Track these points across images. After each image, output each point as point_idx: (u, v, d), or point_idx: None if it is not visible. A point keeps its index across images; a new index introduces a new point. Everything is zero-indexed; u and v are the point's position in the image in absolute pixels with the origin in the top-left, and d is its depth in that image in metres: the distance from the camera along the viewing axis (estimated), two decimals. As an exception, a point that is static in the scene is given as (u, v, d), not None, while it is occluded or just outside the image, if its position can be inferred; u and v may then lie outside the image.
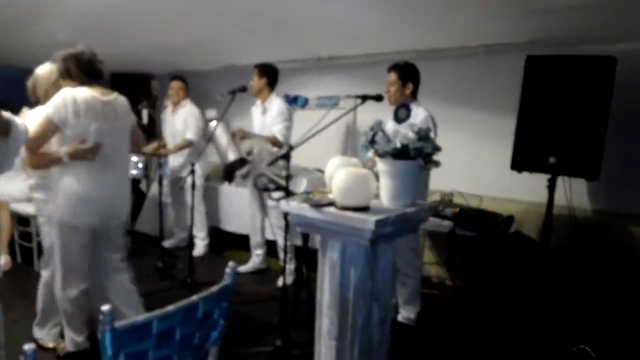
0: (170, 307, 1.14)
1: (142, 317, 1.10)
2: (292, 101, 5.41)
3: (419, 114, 3.02)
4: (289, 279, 3.95)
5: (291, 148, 2.78)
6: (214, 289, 1.30)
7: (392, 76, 3.13)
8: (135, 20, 4.19)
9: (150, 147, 4.52)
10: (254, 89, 4.15)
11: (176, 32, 4.49)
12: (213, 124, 3.71)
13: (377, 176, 1.99)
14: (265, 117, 4.16)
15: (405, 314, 3.29)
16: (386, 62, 3.33)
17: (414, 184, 1.99)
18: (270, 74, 4.16)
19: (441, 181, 3.83)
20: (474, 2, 3.08)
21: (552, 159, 3.12)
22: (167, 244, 4.91)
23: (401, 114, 2.04)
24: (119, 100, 2.72)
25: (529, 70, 3.25)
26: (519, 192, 3.82)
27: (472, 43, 3.92)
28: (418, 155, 1.93)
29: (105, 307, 1.01)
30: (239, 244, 4.83)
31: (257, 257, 4.45)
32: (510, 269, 3.55)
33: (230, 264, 1.42)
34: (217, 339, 1.39)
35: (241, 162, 3.80)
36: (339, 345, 1.94)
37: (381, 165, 1.97)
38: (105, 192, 2.57)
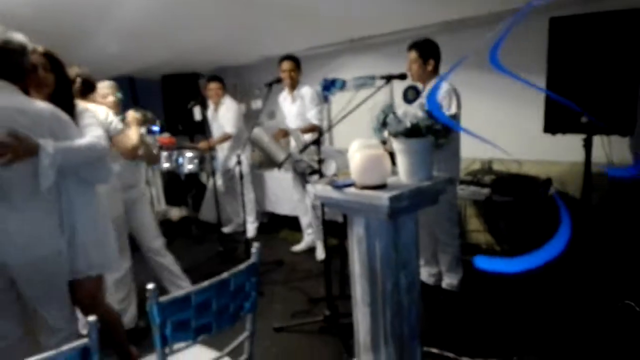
0: (205, 283, 1.41)
1: (182, 291, 1.38)
2: (331, 84, 5.57)
3: (441, 88, 3.11)
4: (322, 254, 4.19)
5: (321, 134, 2.98)
6: (242, 266, 1.55)
7: (413, 54, 3.23)
8: (176, 23, 4.47)
9: (203, 144, 4.94)
10: (289, 83, 4.35)
11: (215, 29, 4.75)
12: (255, 133, 3.68)
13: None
14: (296, 105, 4.38)
15: (448, 281, 3.44)
16: (416, 37, 3.40)
17: (427, 159, 2.14)
18: (299, 63, 4.39)
19: (479, 149, 3.88)
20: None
21: (584, 119, 3.11)
22: (226, 229, 5.34)
23: (410, 94, 2.17)
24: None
25: (554, 32, 3.23)
26: (559, 154, 3.80)
27: (496, 9, 3.90)
28: (429, 132, 2.08)
29: (150, 285, 1.29)
30: (293, 225, 5.13)
31: (309, 237, 4.73)
32: (554, 230, 3.58)
33: (255, 244, 1.67)
34: (251, 309, 1.65)
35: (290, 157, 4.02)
36: (373, 310, 2.16)
37: (395, 145, 2.13)
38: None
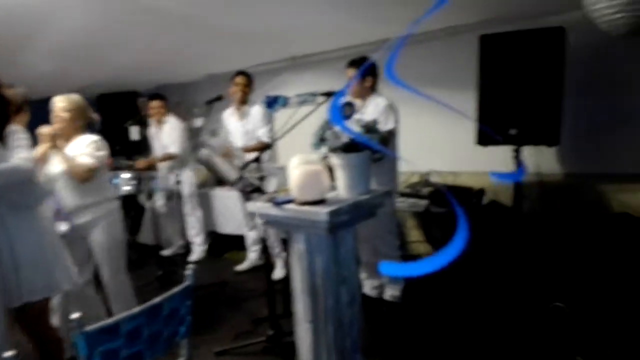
0: (136, 309, 1.34)
1: (111, 320, 1.30)
2: (273, 101, 5.57)
3: (379, 104, 3.19)
4: (282, 272, 4.17)
5: (262, 151, 2.96)
6: (176, 289, 1.49)
7: (351, 72, 3.29)
8: (114, 41, 4.33)
9: (141, 162, 4.77)
10: (241, 96, 4.27)
11: (156, 47, 4.64)
12: (204, 154, 3.63)
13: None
14: (246, 122, 4.31)
15: (390, 292, 3.48)
16: (358, 54, 3.48)
17: (365, 174, 2.17)
18: (252, 80, 4.34)
19: (418, 162, 4.01)
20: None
21: (512, 131, 3.28)
22: (166, 252, 5.15)
23: (347, 110, 2.21)
24: None
25: (484, 49, 3.40)
26: (491, 165, 3.95)
27: (432, 27, 4.06)
28: (366, 147, 2.12)
29: (74, 315, 1.21)
30: (238, 244, 5.02)
31: (253, 254, 4.65)
32: (489, 238, 3.71)
33: (190, 266, 1.61)
34: (186, 333, 1.58)
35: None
36: (315, 326, 2.14)
37: (334, 160, 2.15)
38: None
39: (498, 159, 3.70)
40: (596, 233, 3.44)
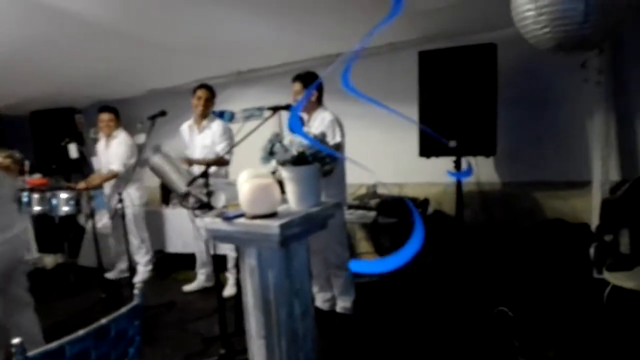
0: (81, 332, 1.28)
1: (54, 343, 1.23)
2: (219, 116, 5.53)
3: (325, 118, 3.25)
4: (234, 290, 4.10)
5: (220, 165, 2.92)
6: (124, 309, 1.44)
7: (297, 86, 3.33)
8: (48, 56, 4.17)
9: (82, 184, 4.54)
10: (202, 109, 4.18)
11: (93, 63, 4.50)
12: (154, 159, 3.57)
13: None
14: (204, 136, 4.23)
15: (342, 304, 3.50)
16: (303, 69, 3.53)
17: (315, 186, 2.19)
18: (214, 93, 4.27)
19: (365, 174, 4.09)
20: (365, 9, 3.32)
21: (452, 143, 3.42)
22: (110, 275, 4.93)
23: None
24: None
25: (423, 64, 3.55)
26: (435, 176, 4.11)
27: (376, 43, 4.19)
28: (315, 159, 2.15)
29: (15, 340, 1.14)
30: (187, 263, 4.89)
31: (202, 276, 4.55)
32: (434, 246, 3.84)
33: (138, 285, 1.57)
34: (135, 354, 1.53)
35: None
36: (268, 342, 2.11)
37: (284, 173, 2.16)
38: None
39: (440, 170, 3.85)
40: (533, 239, 3.64)
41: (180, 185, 3.39)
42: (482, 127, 3.40)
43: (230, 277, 4.29)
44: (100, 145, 4.90)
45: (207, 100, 4.20)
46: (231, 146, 4.03)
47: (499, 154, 3.52)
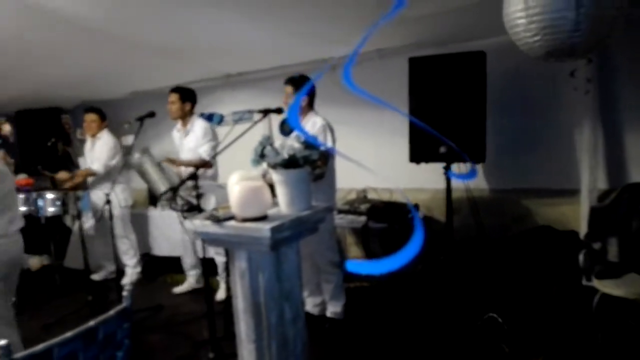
0: (69, 333, 1.26)
1: (41, 345, 1.21)
2: (208, 119, 5.50)
3: (316, 123, 3.25)
4: (224, 294, 4.06)
5: (198, 167, 2.90)
6: (112, 311, 1.42)
7: (288, 89, 3.33)
8: (33, 56, 4.13)
9: (62, 174, 4.61)
10: (173, 113, 4.17)
11: (79, 63, 4.46)
12: (137, 158, 3.62)
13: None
14: (188, 139, 4.21)
15: (332, 309, 3.49)
16: (292, 73, 3.51)
17: (306, 189, 2.19)
18: (190, 96, 4.23)
19: (356, 179, 4.11)
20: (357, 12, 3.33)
21: (442, 149, 3.44)
22: (96, 277, 4.87)
23: (286, 127, 2.23)
24: None
25: (413, 70, 3.57)
26: (426, 182, 4.14)
27: (366, 49, 4.20)
28: (306, 163, 2.14)
29: (1, 342, 1.11)
30: (174, 266, 4.85)
31: (191, 278, 4.52)
32: (425, 252, 3.84)
33: (127, 287, 1.55)
34: (124, 358, 1.50)
35: (173, 191, 3.80)
36: (258, 346, 2.10)
37: (274, 176, 2.16)
38: None
39: (430, 176, 3.87)
40: (522, 246, 3.66)
41: (160, 185, 3.37)
42: (472, 134, 3.42)
43: (221, 281, 4.25)
44: (87, 146, 4.88)
45: (175, 103, 4.17)
46: (215, 147, 4.03)
47: (487, 161, 3.54)
